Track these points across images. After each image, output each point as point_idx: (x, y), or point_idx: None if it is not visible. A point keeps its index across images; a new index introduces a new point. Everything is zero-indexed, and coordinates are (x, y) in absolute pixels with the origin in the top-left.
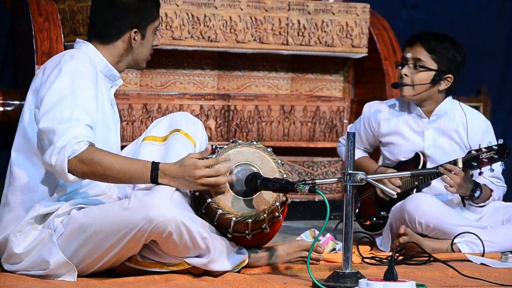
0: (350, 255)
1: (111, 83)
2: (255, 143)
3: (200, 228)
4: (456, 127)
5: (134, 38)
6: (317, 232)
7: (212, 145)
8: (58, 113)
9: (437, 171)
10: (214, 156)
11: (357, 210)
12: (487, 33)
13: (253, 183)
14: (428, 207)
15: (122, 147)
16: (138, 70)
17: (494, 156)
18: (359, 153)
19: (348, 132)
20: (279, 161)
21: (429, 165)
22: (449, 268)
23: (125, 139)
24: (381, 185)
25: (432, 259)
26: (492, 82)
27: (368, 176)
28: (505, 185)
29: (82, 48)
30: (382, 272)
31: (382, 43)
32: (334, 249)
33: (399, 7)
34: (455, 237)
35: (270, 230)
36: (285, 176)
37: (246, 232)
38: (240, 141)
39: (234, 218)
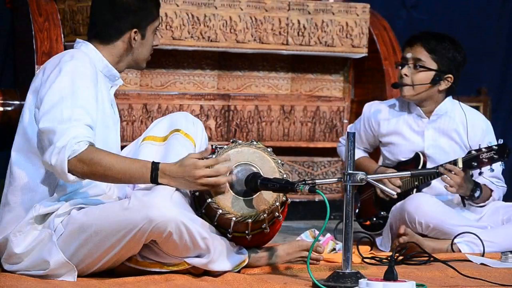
0: (350, 255)
1: (111, 83)
2: (255, 143)
3: (200, 228)
4: (456, 127)
5: (134, 38)
6: (317, 232)
7: (212, 145)
8: (58, 113)
9: (437, 171)
10: (214, 156)
11: (357, 210)
12: (487, 33)
13: (253, 183)
14: (428, 207)
15: (122, 147)
16: (138, 70)
17: (494, 156)
18: (359, 153)
19: (348, 132)
20: (279, 161)
21: (429, 165)
22: (449, 268)
23: (125, 139)
24: (381, 185)
25: (432, 259)
26: (492, 82)
27: (368, 176)
28: (505, 185)
29: (82, 48)
30: (382, 272)
31: (382, 43)
32: (334, 249)
33: (399, 7)
34: (455, 237)
35: (270, 230)
36: (285, 176)
37: (246, 232)
38: (240, 141)
39: (234, 218)
